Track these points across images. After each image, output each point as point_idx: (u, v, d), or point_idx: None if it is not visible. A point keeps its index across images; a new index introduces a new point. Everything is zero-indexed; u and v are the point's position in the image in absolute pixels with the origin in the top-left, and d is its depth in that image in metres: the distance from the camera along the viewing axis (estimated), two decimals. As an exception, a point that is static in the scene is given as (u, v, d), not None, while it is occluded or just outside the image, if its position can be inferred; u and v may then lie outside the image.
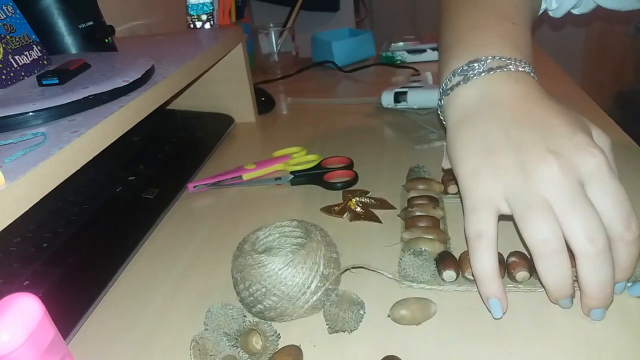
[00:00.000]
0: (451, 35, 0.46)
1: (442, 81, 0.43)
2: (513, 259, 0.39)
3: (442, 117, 0.44)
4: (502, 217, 0.36)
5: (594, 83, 1.95)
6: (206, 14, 0.78)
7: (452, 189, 0.51)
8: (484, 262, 0.34)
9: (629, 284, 0.36)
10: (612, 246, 0.32)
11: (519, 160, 0.35)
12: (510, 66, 0.39)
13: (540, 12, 0.58)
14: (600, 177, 0.33)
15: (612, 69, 1.89)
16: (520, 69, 0.39)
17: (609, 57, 1.91)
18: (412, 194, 0.50)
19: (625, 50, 1.82)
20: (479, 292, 0.36)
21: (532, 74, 0.40)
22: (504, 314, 0.35)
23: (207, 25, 0.79)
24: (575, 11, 0.59)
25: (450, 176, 0.52)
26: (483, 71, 0.40)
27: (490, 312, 0.35)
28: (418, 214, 0.46)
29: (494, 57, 0.40)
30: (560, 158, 0.33)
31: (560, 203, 0.33)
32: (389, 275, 0.40)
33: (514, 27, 0.43)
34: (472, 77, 0.40)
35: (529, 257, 0.39)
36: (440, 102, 0.43)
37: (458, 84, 0.41)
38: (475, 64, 0.40)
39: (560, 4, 0.57)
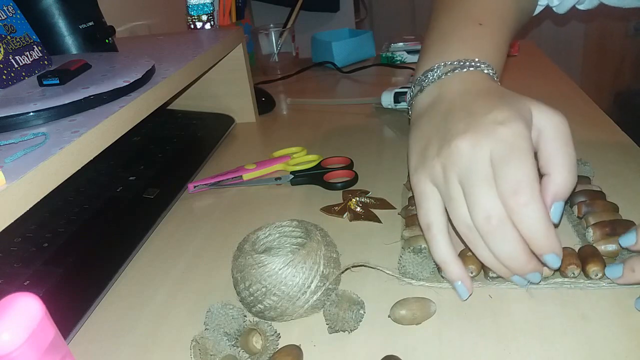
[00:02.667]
0: (423, 45, 0.47)
1: (409, 92, 0.45)
2: None
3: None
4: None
5: (593, 83, 1.95)
6: (206, 14, 0.78)
7: None
8: (440, 250, 0.36)
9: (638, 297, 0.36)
10: (513, 219, 0.33)
11: (439, 148, 0.36)
12: (459, 69, 0.41)
13: (541, 8, 0.58)
14: (501, 152, 0.33)
15: (611, 69, 1.89)
16: (472, 69, 0.40)
17: (608, 58, 1.91)
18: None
19: (624, 50, 1.82)
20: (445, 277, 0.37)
21: (487, 71, 0.41)
22: (470, 295, 0.37)
23: (208, 26, 0.79)
24: (580, 7, 0.59)
25: None
26: (434, 79, 0.41)
27: (458, 295, 0.37)
28: None
29: (447, 63, 0.41)
30: (468, 137, 0.34)
31: (464, 183, 0.34)
32: (388, 272, 0.40)
33: (479, 29, 0.44)
34: (426, 86, 0.42)
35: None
36: (409, 113, 0.45)
37: (416, 94, 0.43)
38: (429, 73, 0.42)
39: (563, 0, 0.57)
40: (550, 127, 0.35)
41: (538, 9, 0.58)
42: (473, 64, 0.41)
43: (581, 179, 0.49)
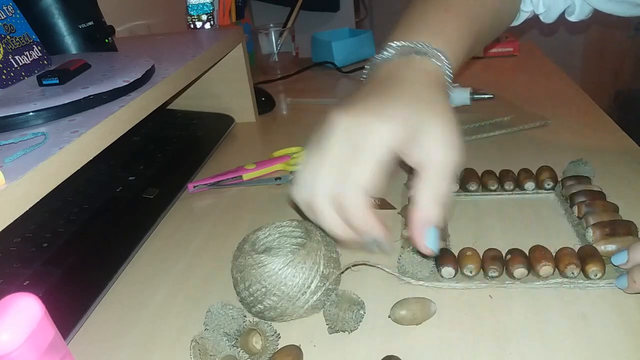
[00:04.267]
0: (397, 22, 0.47)
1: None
2: (510, 256, 0.39)
3: None
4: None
5: (593, 83, 1.95)
6: (206, 14, 0.78)
7: (453, 187, 0.51)
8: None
9: (617, 275, 0.37)
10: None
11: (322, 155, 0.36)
12: (413, 53, 0.39)
13: (526, 15, 0.57)
14: (359, 142, 0.34)
15: (611, 69, 1.90)
16: (413, 53, 0.39)
17: (608, 57, 1.91)
18: (413, 192, 0.50)
19: (624, 50, 1.82)
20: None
21: (430, 58, 0.39)
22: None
23: (207, 26, 0.79)
24: (571, 18, 0.58)
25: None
26: (379, 60, 0.41)
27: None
28: None
29: (395, 45, 0.41)
30: (351, 114, 0.35)
31: None
32: (388, 270, 0.40)
33: (444, 14, 0.44)
34: (373, 64, 0.42)
35: (527, 254, 0.39)
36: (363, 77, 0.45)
37: (372, 64, 0.42)
38: (384, 51, 0.41)
39: (549, 9, 0.56)
40: (433, 162, 0.34)
41: (523, 16, 0.56)
42: (426, 49, 0.39)
43: (581, 179, 0.49)
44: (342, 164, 0.34)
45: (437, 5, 0.45)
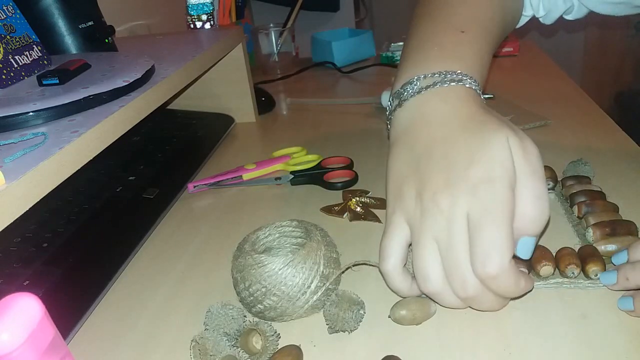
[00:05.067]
0: (403, 53, 0.45)
1: (387, 104, 0.43)
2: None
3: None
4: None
5: (594, 83, 1.95)
6: (206, 14, 0.78)
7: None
8: (397, 284, 0.36)
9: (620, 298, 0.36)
10: (486, 285, 0.33)
11: (418, 192, 0.35)
12: (440, 83, 0.38)
13: (526, 19, 0.57)
14: (478, 215, 0.32)
15: (611, 68, 1.90)
16: (453, 84, 0.38)
17: (609, 57, 1.91)
18: None
19: (624, 50, 1.82)
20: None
21: (469, 84, 0.38)
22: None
23: (207, 26, 0.79)
24: (568, 17, 0.58)
25: None
26: (414, 93, 0.39)
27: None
28: None
29: (426, 75, 0.39)
30: (448, 196, 0.33)
31: (440, 243, 0.34)
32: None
33: (461, 36, 0.42)
34: (405, 101, 0.39)
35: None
36: (388, 126, 0.43)
37: (395, 108, 0.41)
38: (408, 86, 0.40)
39: (549, 11, 0.56)
40: (522, 161, 0.34)
41: (523, 20, 0.57)
42: (455, 77, 0.38)
43: (581, 179, 0.49)
44: (468, 242, 0.33)
45: (447, 23, 0.43)
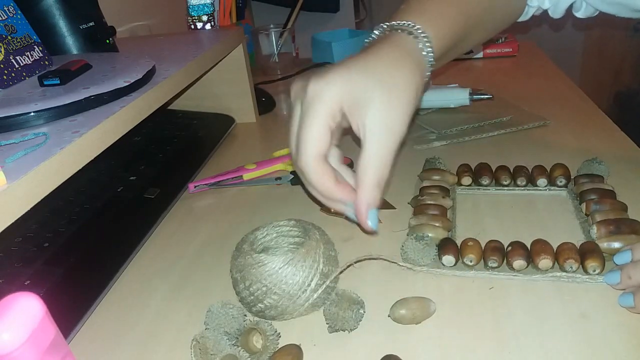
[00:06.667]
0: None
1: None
2: (511, 248, 0.40)
3: None
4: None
5: (593, 83, 1.95)
6: (207, 14, 0.78)
7: (465, 180, 0.53)
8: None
9: (620, 294, 0.36)
10: None
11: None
12: (381, 30, 0.42)
13: (533, 10, 0.57)
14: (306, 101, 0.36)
15: (611, 69, 1.89)
16: (394, 30, 0.41)
17: (608, 57, 1.91)
18: (426, 183, 0.52)
19: (624, 50, 1.82)
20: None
21: (408, 33, 0.40)
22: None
23: (208, 26, 0.79)
24: (578, 14, 0.58)
25: (465, 168, 0.54)
26: (366, 41, 0.43)
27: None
28: (427, 202, 0.48)
29: (383, 26, 0.42)
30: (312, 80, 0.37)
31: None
32: (387, 259, 0.41)
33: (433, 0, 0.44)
34: (365, 42, 0.43)
35: (528, 247, 0.40)
36: None
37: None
38: (371, 34, 0.43)
39: (556, 4, 0.56)
40: (375, 138, 0.36)
41: (530, 11, 0.57)
42: (402, 25, 0.41)
43: (594, 177, 0.49)
44: (296, 128, 0.37)
45: None
